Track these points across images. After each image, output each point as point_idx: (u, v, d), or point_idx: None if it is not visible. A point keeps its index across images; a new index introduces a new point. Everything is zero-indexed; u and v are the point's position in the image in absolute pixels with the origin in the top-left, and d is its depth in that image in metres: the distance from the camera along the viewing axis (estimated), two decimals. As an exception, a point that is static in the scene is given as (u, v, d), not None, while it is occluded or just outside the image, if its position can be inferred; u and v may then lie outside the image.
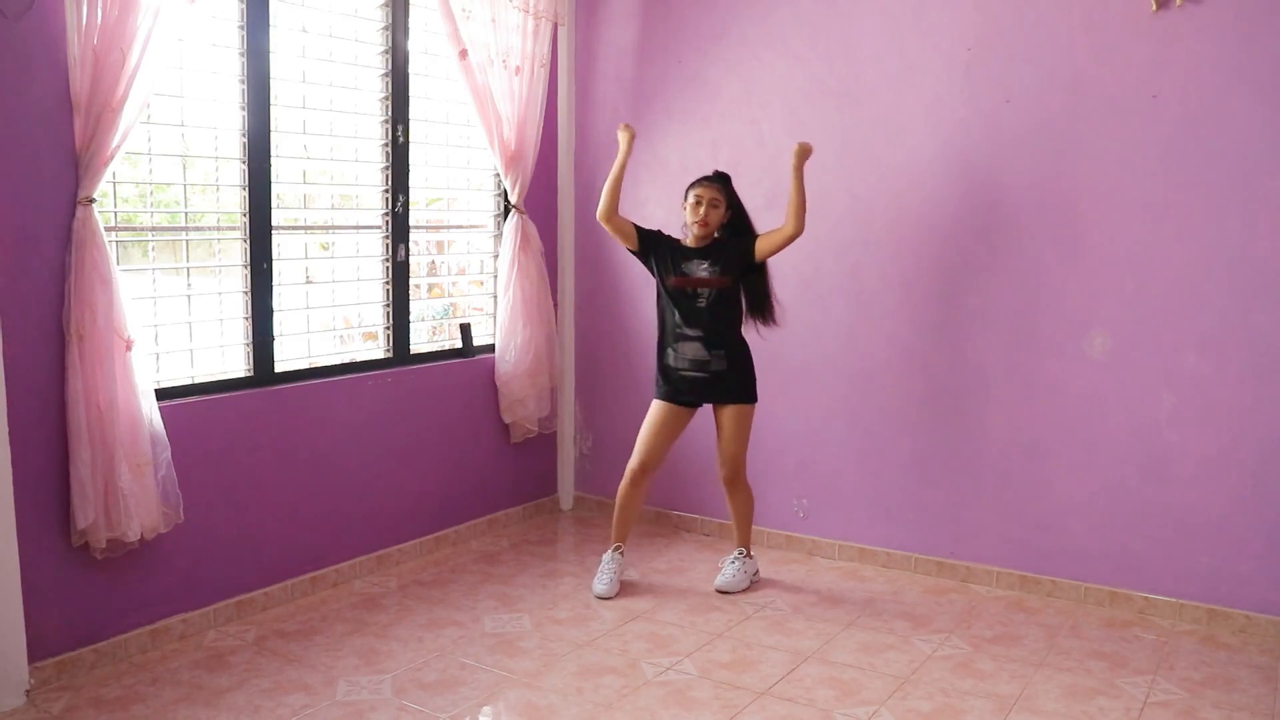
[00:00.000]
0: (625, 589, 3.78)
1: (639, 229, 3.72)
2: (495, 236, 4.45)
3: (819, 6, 4.01)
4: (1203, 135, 3.37)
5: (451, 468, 4.24)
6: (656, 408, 3.73)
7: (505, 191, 4.30)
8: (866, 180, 3.96)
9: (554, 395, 4.63)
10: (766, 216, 4.08)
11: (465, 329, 4.31)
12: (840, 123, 4.00)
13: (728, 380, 3.66)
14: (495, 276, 4.41)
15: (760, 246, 3.59)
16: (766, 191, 4.04)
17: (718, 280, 3.59)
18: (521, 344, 4.32)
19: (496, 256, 4.41)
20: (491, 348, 4.38)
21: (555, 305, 4.64)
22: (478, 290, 4.50)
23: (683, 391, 3.69)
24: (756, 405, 3.74)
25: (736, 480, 3.76)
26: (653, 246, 3.70)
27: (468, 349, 4.30)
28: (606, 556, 3.80)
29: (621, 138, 3.75)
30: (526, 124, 4.23)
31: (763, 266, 3.67)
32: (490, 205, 4.44)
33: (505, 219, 4.34)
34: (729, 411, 3.68)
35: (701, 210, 3.59)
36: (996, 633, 3.42)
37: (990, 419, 3.81)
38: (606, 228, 3.73)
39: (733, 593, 3.76)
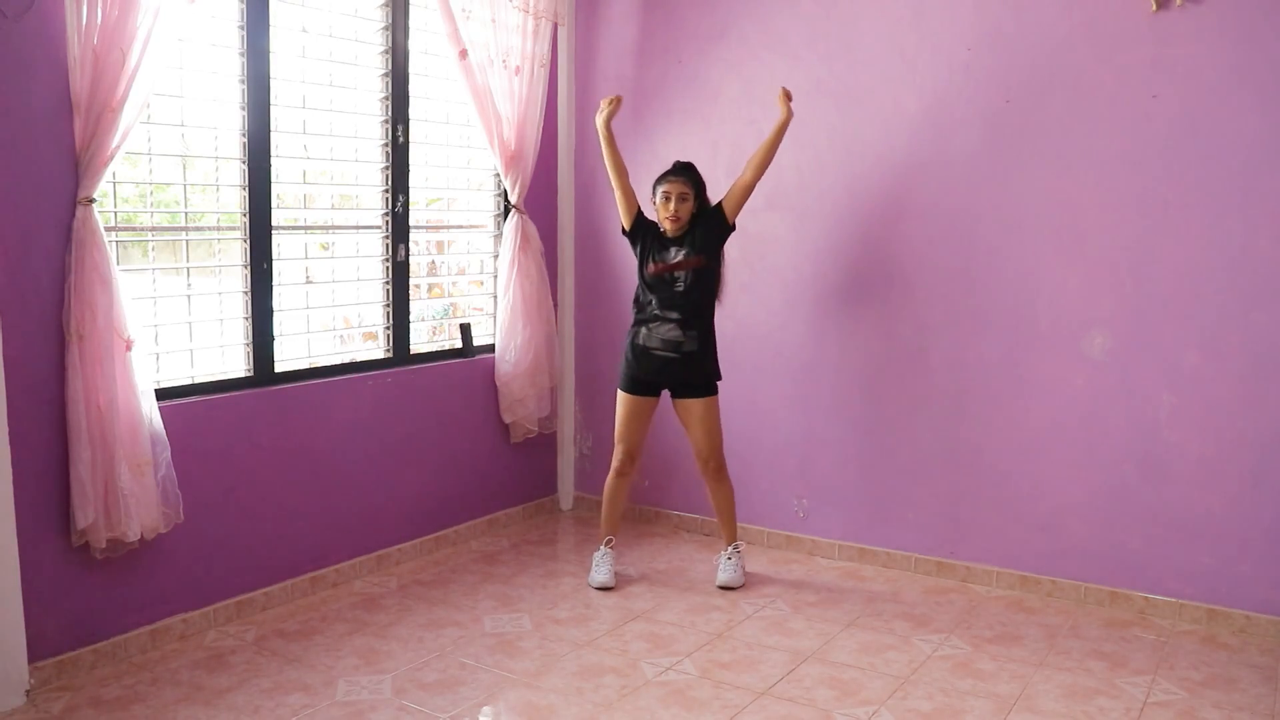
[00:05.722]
0: (625, 589, 3.78)
1: (639, 215, 3.81)
2: (495, 236, 4.45)
3: (819, 7, 4.01)
4: (1203, 135, 3.37)
5: (452, 468, 4.24)
6: (623, 399, 3.80)
7: (505, 191, 4.30)
8: (867, 180, 3.96)
9: (554, 395, 4.63)
10: (766, 217, 4.09)
11: (465, 329, 4.30)
12: (840, 123, 3.99)
13: (695, 364, 3.70)
14: (495, 276, 4.40)
15: (729, 209, 3.69)
16: (766, 192, 4.03)
17: (693, 260, 3.65)
18: (521, 344, 4.32)
19: (496, 256, 4.41)
20: (491, 348, 4.38)
21: (555, 305, 4.64)
22: (478, 290, 4.50)
23: (648, 373, 3.73)
24: (731, 397, 3.83)
25: (720, 470, 3.81)
26: (641, 234, 3.78)
27: (468, 349, 4.30)
28: (601, 551, 3.85)
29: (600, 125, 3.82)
30: (526, 124, 4.23)
31: (720, 252, 3.76)
32: (490, 205, 4.44)
33: (505, 219, 4.34)
34: (698, 406, 3.74)
35: (672, 206, 3.64)
36: (996, 633, 3.42)
37: (990, 419, 3.80)
38: (614, 181, 3.79)
39: (735, 588, 3.78)
